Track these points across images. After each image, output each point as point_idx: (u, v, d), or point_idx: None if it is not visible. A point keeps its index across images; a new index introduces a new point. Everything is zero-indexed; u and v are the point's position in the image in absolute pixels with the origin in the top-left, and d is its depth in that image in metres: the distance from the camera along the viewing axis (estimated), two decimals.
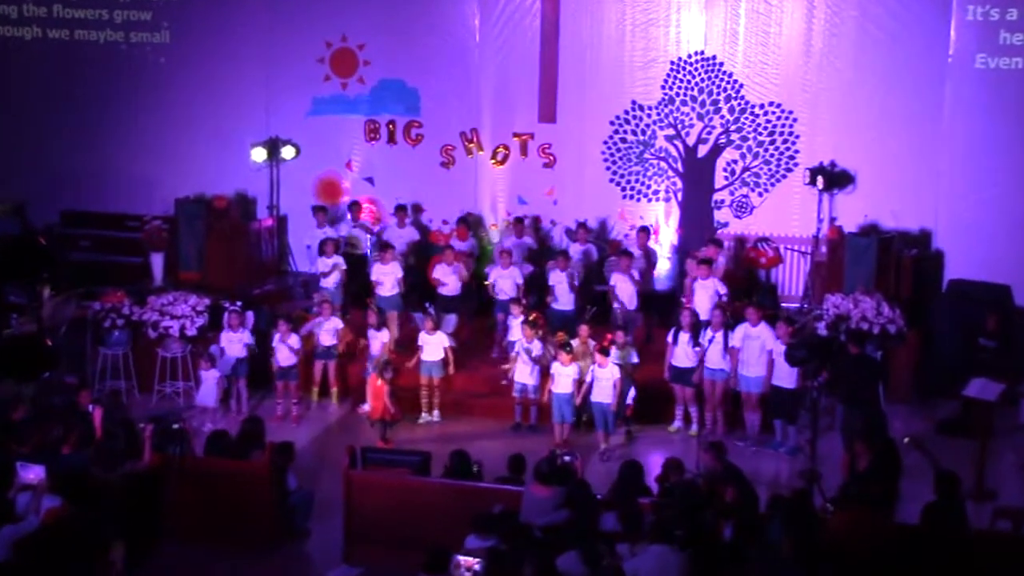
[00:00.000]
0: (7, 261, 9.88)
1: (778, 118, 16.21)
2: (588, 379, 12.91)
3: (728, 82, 16.26)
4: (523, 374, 13.45)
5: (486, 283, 15.28)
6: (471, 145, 17.17)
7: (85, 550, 8.59)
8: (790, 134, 16.20)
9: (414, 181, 17.26)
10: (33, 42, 18.19)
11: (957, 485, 9.79)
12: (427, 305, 14.42)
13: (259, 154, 16.98)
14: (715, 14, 16.21)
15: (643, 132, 16.59)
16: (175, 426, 10.88)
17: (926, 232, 15.86)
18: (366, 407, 13.54)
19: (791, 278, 16.41)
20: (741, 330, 13.08)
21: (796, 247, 16.31)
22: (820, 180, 15.56)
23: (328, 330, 14.08)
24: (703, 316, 13.61)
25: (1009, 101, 15.34)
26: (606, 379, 12.76)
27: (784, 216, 16.31)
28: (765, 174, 16.36)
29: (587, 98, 16.67)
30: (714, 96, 16.33)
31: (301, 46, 17.31)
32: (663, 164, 16.62)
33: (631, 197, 16.76)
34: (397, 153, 17.37)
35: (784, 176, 16.31)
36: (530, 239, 16.25)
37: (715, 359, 13.13)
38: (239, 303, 14.33)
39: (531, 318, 13.64)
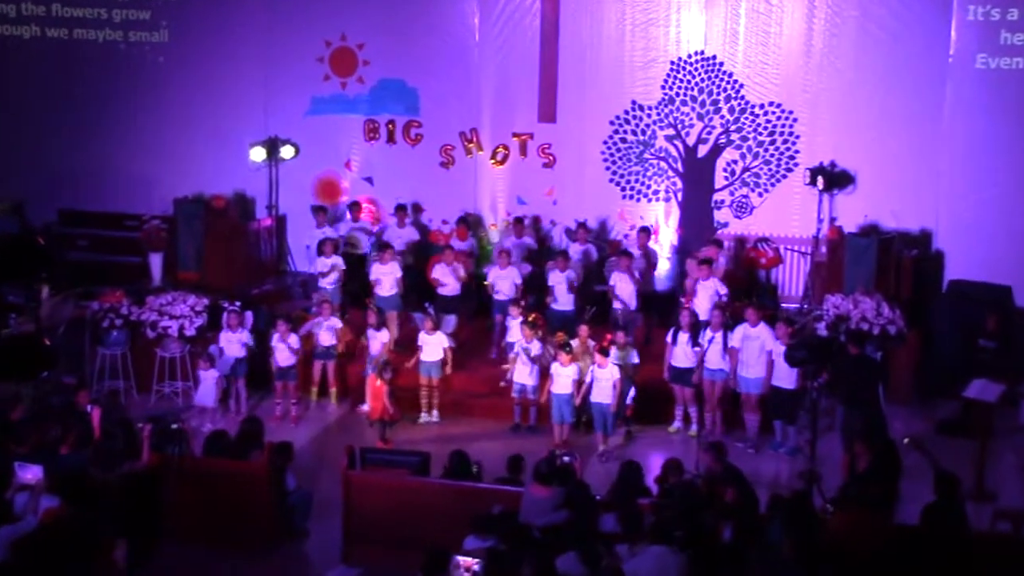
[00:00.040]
0: (5, 260, 9.87)
1: (778, 118, 16.19)
2: (588, 379, 12.88)
3: (728, 82, 16.24)
4: (522, 375, 13.43)
5: (485, 283, 15.26)
6: (471, 145, 17.14)
7: (83, 550, 8.54)
8: (790, 134, 16.18)
9: (414, 181, 17.23)
10: (32, 41, 18.18)
11: (957, 486, 9.78)
12: (426, 305, 14.41)
13: (258, 154, 16.94)
14: (715, 14, 16.18)
15: (643, 132, 16.57)
16: (174, 426, 10.85)
17: (926, 232, 15.84)
18: (365, 407, 13.53)
19: (791, 278, 16.39)
20: (741, 330, 13.05)
21: (796, 247, 16.29)
22: (820, 180, 15.54)
23: (327, 330, 14.07)
24: (703, 316, 13.59)
25: (1009, 101, 15.34)
26: (606, 379, 12.74)
27: (784, 216, 16.29)
28: (765, 174, 16.34)
29: (587, 98, 16.65)
30: (714, 96, 16.31)
31: (300, 45, 17.29)
32: (663, 164, 16.60)
33: (631, 197, 16.74)
34: (396, 153, 17.34)
35: (784, 176, 16.29)
36: (530, 239, 16.23)
37: (715, 359, 13.11)
38: (238, 303, 14.32)
39: (530, 319, 13.61)
